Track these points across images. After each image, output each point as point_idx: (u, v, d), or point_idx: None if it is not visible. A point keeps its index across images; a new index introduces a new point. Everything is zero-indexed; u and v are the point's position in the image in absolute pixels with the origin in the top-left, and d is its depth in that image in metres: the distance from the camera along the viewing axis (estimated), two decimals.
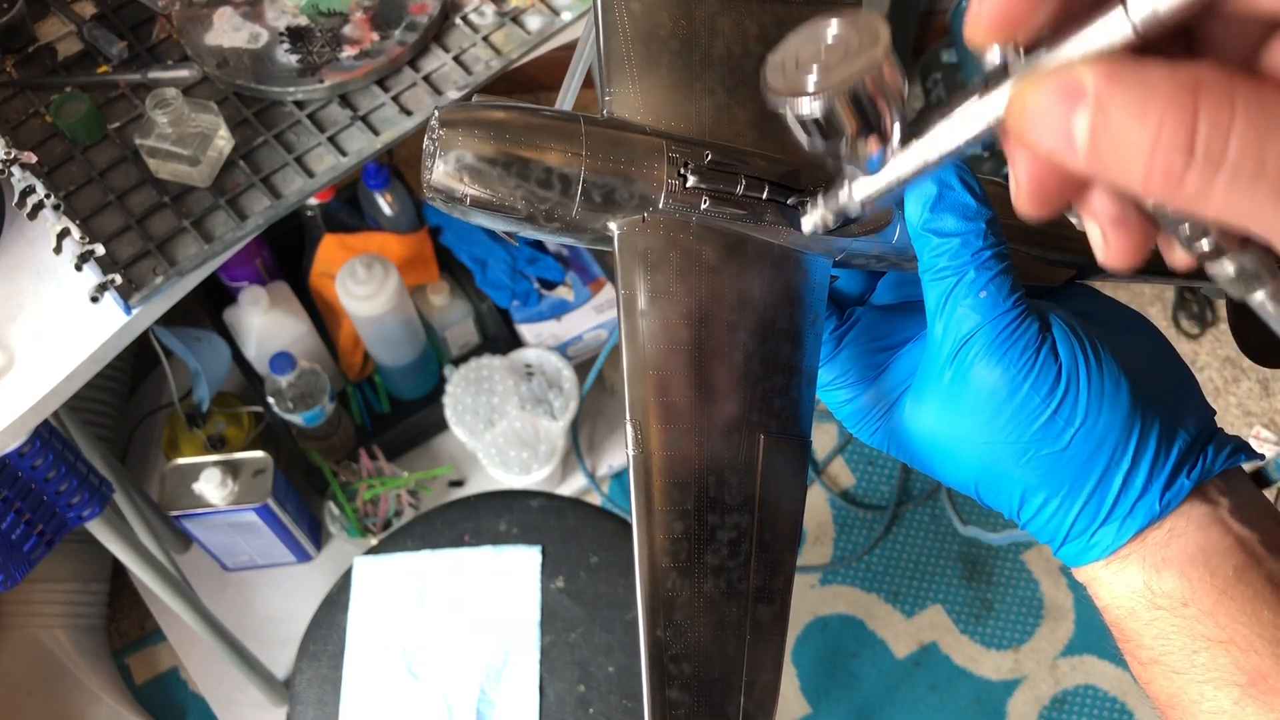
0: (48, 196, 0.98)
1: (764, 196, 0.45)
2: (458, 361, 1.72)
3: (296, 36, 1.09)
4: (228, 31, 1.10)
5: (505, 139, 0.42)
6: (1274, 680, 0.39)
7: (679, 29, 0.47)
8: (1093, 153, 0.24)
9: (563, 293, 1.73)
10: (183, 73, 1.08)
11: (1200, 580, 0.41)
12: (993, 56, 0.28)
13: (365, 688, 1.16)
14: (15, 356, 0.95)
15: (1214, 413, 0.46)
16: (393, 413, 1.77)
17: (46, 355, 0.95)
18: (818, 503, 1.81)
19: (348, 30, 1.10)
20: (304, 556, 1.69)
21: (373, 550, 1.24)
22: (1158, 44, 0.25)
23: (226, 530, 1.55)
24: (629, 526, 1.22)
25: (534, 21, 1.12)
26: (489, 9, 1.13)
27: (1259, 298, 0.27)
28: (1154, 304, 1.94)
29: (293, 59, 1.08)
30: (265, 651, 1.58)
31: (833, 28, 0.31)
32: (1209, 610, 0.41)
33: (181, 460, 1.51)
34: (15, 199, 0.98)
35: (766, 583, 0.44)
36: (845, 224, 0.38)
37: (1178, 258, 0.29)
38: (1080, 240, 0.49)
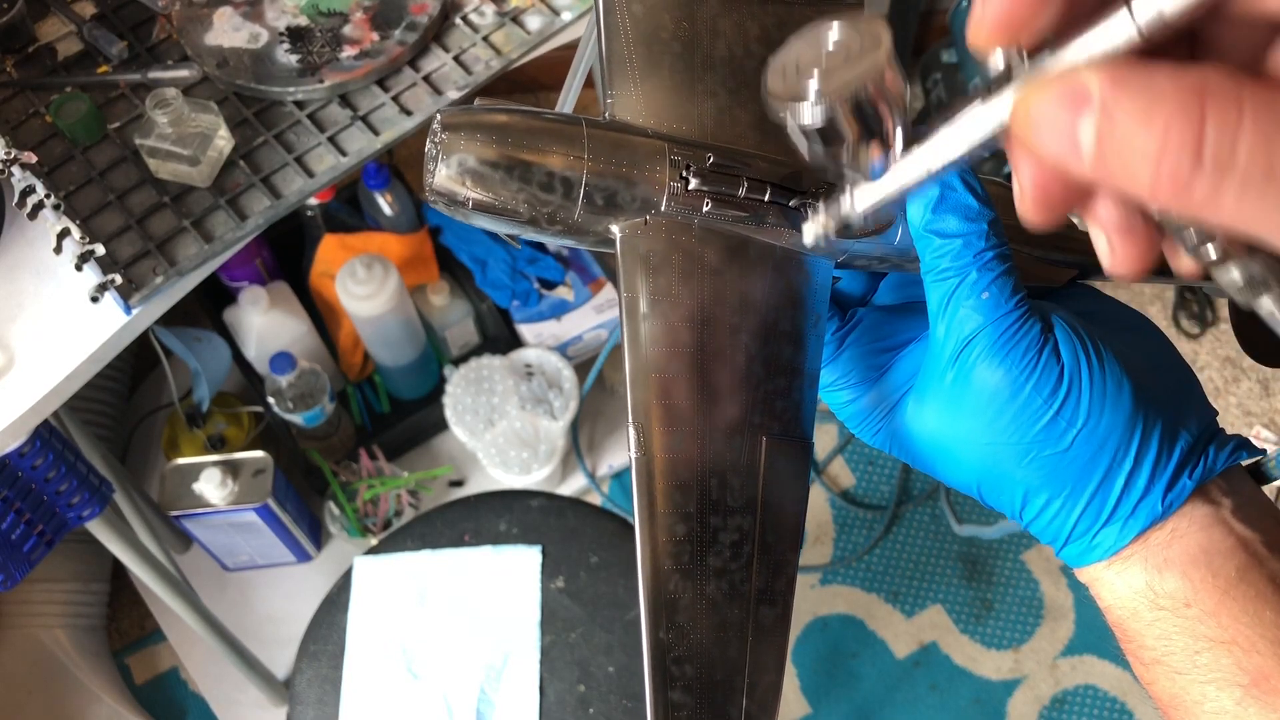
0: (48, 196, 0.98)
1: (766, 199, 0.45)
2: (458, 361, 1.72)
3: (296, 36, 1.09)
4: (228, 31, 1.09)
5: (507, 142, 0.42)
6: (1276, 681, 0.39)
7: (681, 31, 0.47)
8: (1099, 159, 0.24)
9: (563, 293, 1.73)
10: (183, 73, 1.07)
11: (1202, 581, 0.41)
12: (996, 60, 0.28)
13: (365, 688, 1.16)
14: (15, 356, 0.95)
15: (1216, 413, 0.46)
16: (393, 413, 1.77)
17: (46, 355, 0.95)
18: (818, 503, 1.81)
19: (348, 30, 1.10)
20: (304, 556, 1.69)
21: (373, 550, 1.24)
22: (1162, 46, 0.25)
23: (226, 530, 1.55)
24: (629, 526, 1.22)
25: (534, 21, 1.12)
26: (489, 9, 1.13)
27: (1267, 304, 0.27)
28: (1154, 303, 1.94)
29: (293, 59, 1.08)
30: (265, 651, 1.58)
31: (834, 32, 0.31)
32: (1211, 611, 0.41)
33: (181, 460, 1.51)
34: (15, 199, 0.98)
35: (769, 584, 0.44)
36: (847, 232, 0.37)
37: (1184, 264, 0.29)
38: (1082, 240, 0.49)
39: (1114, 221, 0.28)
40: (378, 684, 1.16)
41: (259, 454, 1.51)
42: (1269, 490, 0.46)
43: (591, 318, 1.74)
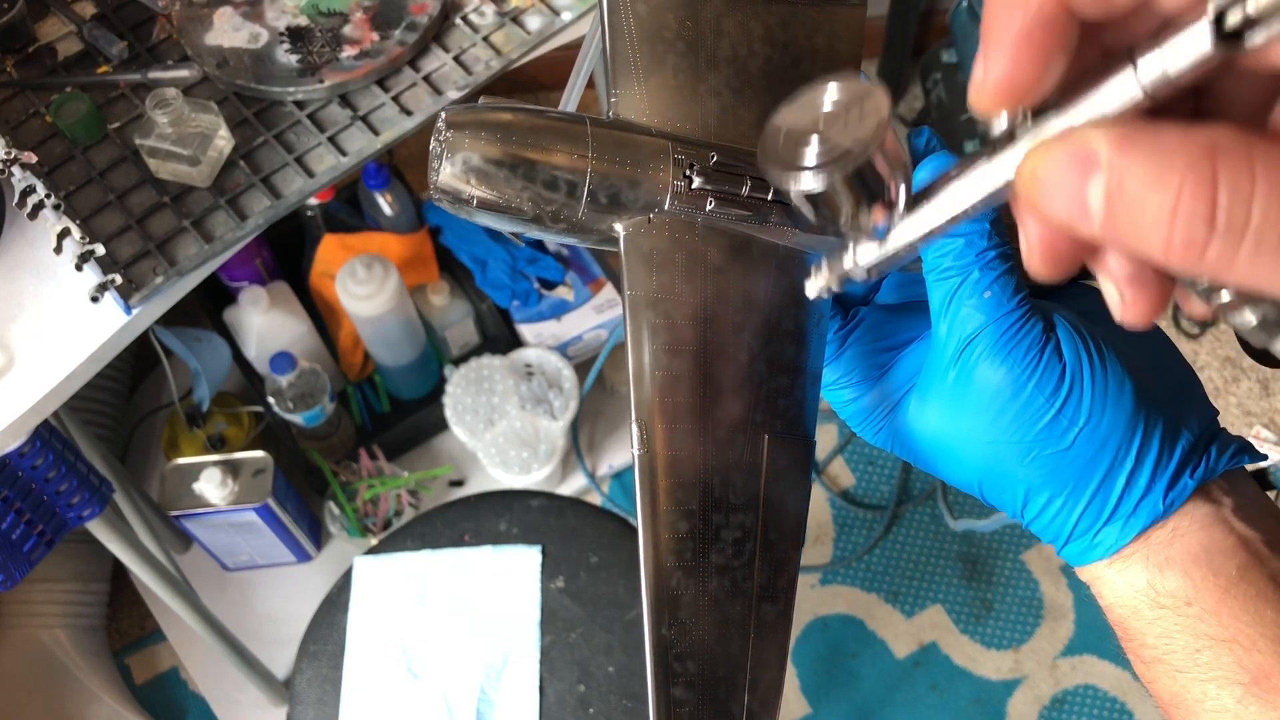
0: (48, 196, 0.98)
1: (769, 198, 0.45)
2: (458, 361, 1.72)
3: (296, 36, 1.09)
4: (228, 31, 1.10)
5: (512, 141, 0.42)
6: (1277, 679, 0.39)
7: (684, 30, 0.47)
8: (1109, 221, 0.24)
9: (563, 293, 1.73)
10: (183, 73, 1.07)
11: (1203, 579, 0.41)
12: (1000, 122, 0.27)
13: (365, 688, 1.16)
14: (15, 356, 0.95)
15: (1217, 413, 0.46)
16: (393, 413, 1.77)
17: (46, 355, 0.95)
18: (818, 503, 1.81)
19: (348, 30, 1.10)
20: (304, 556, 1.69)
21: (373, 550, 1.24)
22: (1167, 103, 0.24)
23: (226, 530, 1.55)
24: (629, 526, 1.22)
25: (534, 21, 1.12)
26: (489, 9, 1.13)
27: None
28: None
29: (293, 59, 1.08)
30: (265, 651, 1.58)
31: (830, 95, 0.31)
32: (1212, 609, 0.41)
33: (181, 460, 1.51)
34: (15, 199, 0.98)
35: (771, 581, 0.44)
36: (850, 286, 0.37)
37: (1195, 308, 0.28)
38: None
39: (1124, 273, 0.28)
40: (378, 684, 1.16)
41: (259, 454, 1.51)
42: (1271, 495, 0.46)
43: (591, 318, 1.74)
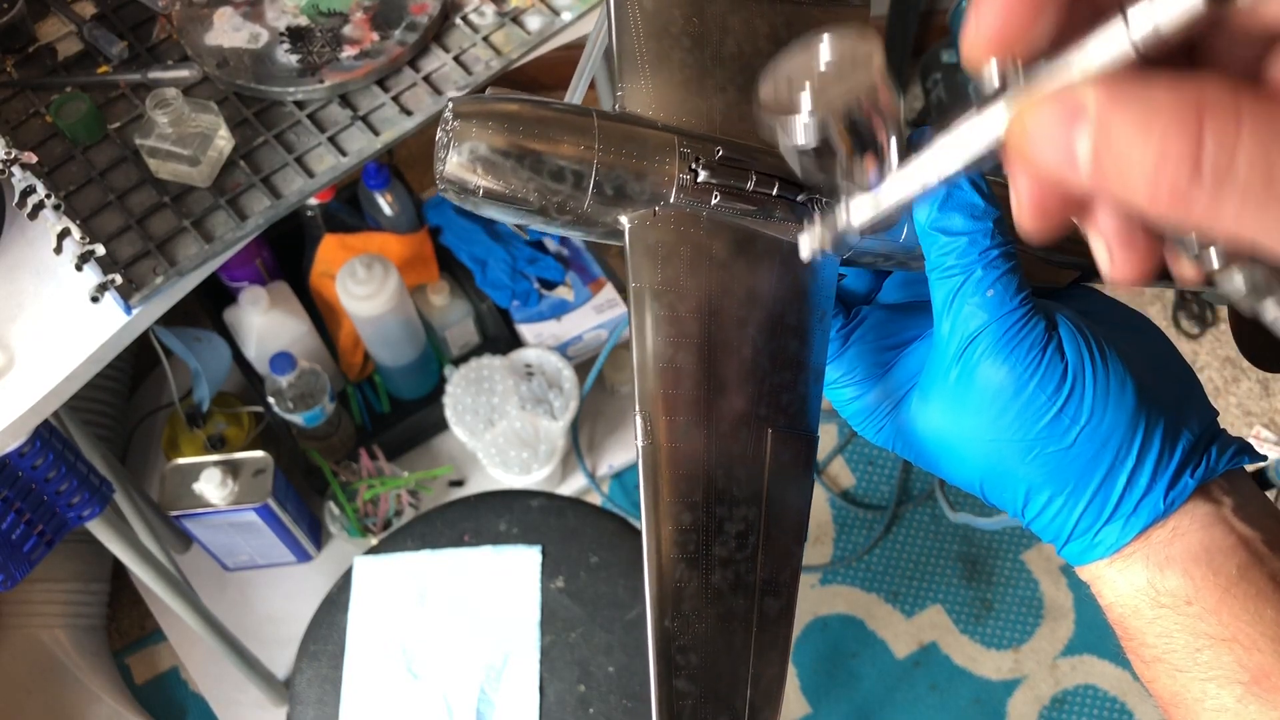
0: (48, 196, 0.98)
1: (774, 193, 0.45)
2: (458, 361, 1.72)
3: (296, 36, 1.09)
4: (228, 31, 1.10)
5: (519, 131, 0.42)
6: (1277, 678, 0.40)
7: (691, 26, 0.47)
8: (1096, 171, 0.24)
9: (563, 293, 1.73)
10: (183, 73, 1.07)
11: (1203, 579, 0.41)
12: (990, 73, 0.28)
13: (365, 688, 1.16)
14: (15, 356, 0.95)
15: (1217, 413, 0.46)
16: (393, 413, 1.77)
17: (46, 355, 0.95)
18: (818, 502, 1.81)
19: (348, 30, 1.10)
20: (304, 556, 1.69)
21: (373, 550, 1.24)
22: (1159, 59, 0.25)
23: (226, 530, 1.55)
24: (629, 526, 1.23)
25: (534, 21, 1.12)
26: (489, 9, 1.13)
27: (1271, 310, 0.27)
28: (1154, 304, 1.95)
29: (293, 59, 1.08)
30: (265, 651, 1.58)
31: (825, 46, 0.31)
32: (1212, 609, 0.41)
33: (181, 460, 1.51)
34: (15, 199, 0.98)
35: (773, 576, 0.44)
36: (844, 245, 0.37)
37: (1185, 271, 0.28)
38: (1085, 243, 0.49)
39: (1113, 230, 0.28)
40: (378, 684, 1.16)
41: (259, 454, 1.51)
42: (1269, 494, 0.46)
43: (591, 318, 1.74)
